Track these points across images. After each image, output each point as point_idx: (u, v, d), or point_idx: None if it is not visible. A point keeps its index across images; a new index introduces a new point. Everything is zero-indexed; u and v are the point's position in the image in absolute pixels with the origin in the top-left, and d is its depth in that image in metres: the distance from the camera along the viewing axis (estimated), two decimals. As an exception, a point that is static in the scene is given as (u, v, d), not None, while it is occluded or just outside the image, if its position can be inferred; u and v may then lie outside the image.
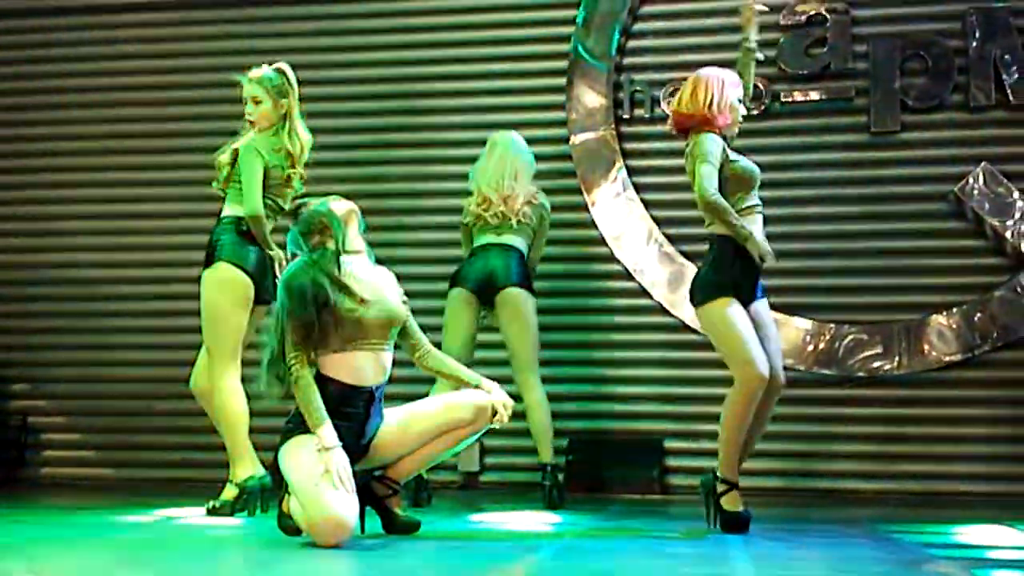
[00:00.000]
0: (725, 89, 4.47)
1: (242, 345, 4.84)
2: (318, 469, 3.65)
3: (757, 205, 4.45)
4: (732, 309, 4.29)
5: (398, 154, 6.82)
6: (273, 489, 4.68)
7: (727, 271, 4.33)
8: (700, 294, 4.37)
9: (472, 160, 5.87)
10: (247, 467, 4.75)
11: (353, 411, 3.85)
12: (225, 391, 4.74)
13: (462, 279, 5.47)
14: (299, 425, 3.81)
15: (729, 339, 4.29)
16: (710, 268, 4.38)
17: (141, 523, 4.51)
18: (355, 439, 3.86)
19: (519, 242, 5.52)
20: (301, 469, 3.69)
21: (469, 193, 5.63)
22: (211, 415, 4.89)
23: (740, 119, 4.55)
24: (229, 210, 4.88)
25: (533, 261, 5.62)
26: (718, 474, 4.33)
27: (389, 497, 4.03)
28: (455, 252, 6.06)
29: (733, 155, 4.43)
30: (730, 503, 4.29)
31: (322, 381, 3.83)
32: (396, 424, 3.97)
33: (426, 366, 4.16)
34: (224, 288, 4.76)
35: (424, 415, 3.99)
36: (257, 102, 4.96)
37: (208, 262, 4.83)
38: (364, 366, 3.88)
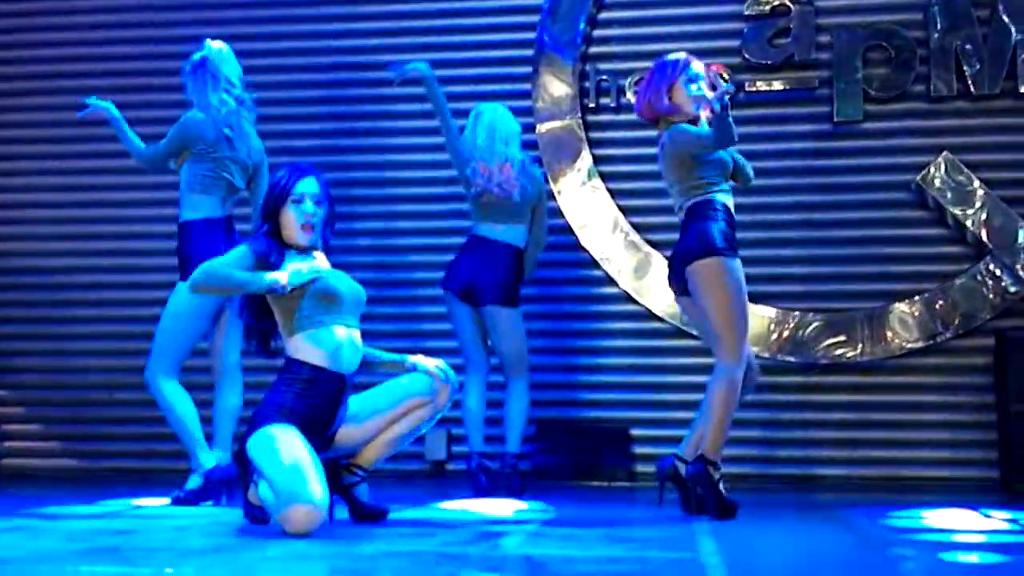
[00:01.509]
0: (661, 75, 4.45)
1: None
2: (290, 455, 3.64)
3: (728, 190, 4.45)
4: (740, 269, 4.28)
5: (361, 142, 6.78)
6: (238, 478, 4.69)
7: (728, 224, 4.30)
8: (705, 246, 4.25)
9: (435, 149, 5.85)
10: (209, 456, 4.74)
11: (325, 394, 3.86)
12: (163, 389, 4.78)
13: (449, 278, 5.51)
14: (266, 417, 3.79)
15: (734, 301, 4.24)
16: (708, 222, 4.28)
17: (104, 513, 4.47)
18: (323, 422, 3.85)
19: (520, 233, 5.52)
20: (272, 457, 3.68)
21: (440, 175, 5.62)
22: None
23: (692, 97, 4.45)
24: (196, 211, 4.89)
25: (539, 245, 5.64)
26: (711, 459, 4.24)
27: (356, 485, 4.03)
28: (419, 242, 6.06)
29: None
30: (723, 489, 4.25)
31: (296, 367, 3.86)
32: (355, 407, 3.97)
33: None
34: (194, 301, 4.76)
35: (380, 397, 4.00)
36: None
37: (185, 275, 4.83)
38: (343, 350, 3.89)
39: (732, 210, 4.42)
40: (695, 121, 4.47)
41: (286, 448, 3.68)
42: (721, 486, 4.24)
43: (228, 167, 4.90)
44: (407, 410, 3.98)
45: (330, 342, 3.88)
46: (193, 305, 4.77)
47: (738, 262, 4.33)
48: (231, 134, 4.89)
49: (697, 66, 4.50)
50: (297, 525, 3.58)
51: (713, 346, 4.34)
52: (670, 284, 4.51)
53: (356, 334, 3.98)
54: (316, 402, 3.83)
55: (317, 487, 3.60)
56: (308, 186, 4.00)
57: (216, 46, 5.02)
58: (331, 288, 3.90)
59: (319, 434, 3.84)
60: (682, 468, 4.38)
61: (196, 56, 5.00)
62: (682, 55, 4.59)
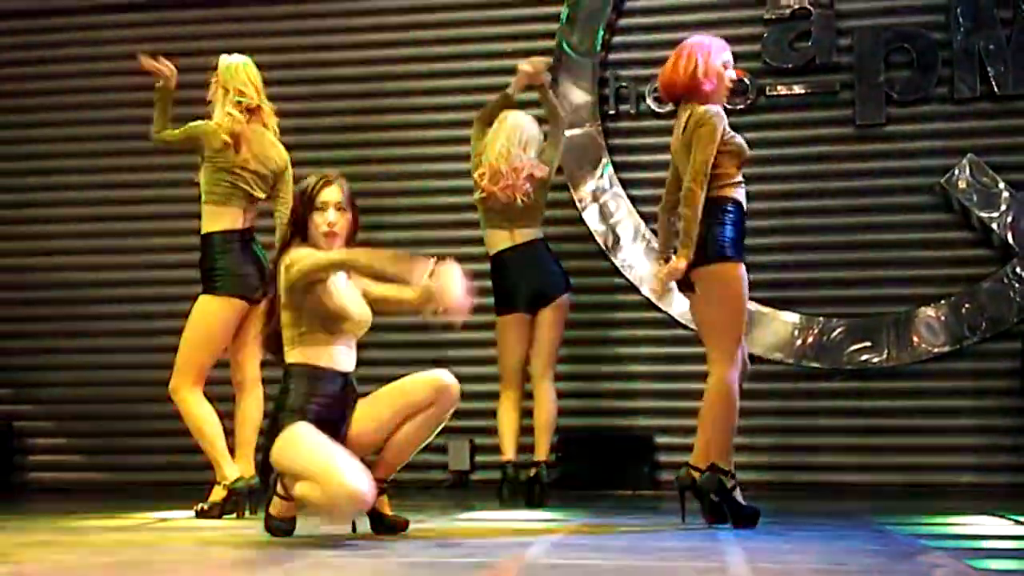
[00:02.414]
0: (711, 56, 4.36)
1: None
2: (322, 446, 3.69)
3: (742, 182, 4.33)
4: (745, 276, 4.21)
5: (382, 153, 6.80)
6: (261, 490, 4.68)
7: (736, 228, 4.23)
8: (714, 251, 4.19)
9: (457, 158, 5.84)
10: (233, 468, 4.74)
11: (331, 391, 3.88)
12: (187, 402, 4.78)
13: (504, 303, 5.46)
14: (284, 421, 3.79)
15: (737, 309, 4.20)
16: (718, 225, 4.21)
17: (129, 526, 4.48)
18: (335, 424, 3.86)
19: (532, 233, 5.48)
20: (306, 451, 3.71)
21: (467, 184, 5.59)
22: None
23: (729, 85, 4.41)
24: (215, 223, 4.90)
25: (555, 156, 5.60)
26: (722, 467, 4.17)
27: (377, 496, 4.00)
28: (445, 251, 6.03)
29: (729, 131, 4.31)
30: (738, 496, 4.20)
31: (297, 369, 3.88)
32: (359, 412, 3.97)
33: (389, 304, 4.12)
34: (217, 313, 4.79)
35: (382, 398, 4.00)
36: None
37: (207, 288, 4.85)
38: (340, 354, 3.95)
39: (744, 206, 4.32)
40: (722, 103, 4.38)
41: (316, 441, 3.72)
42: (738, 493, 4.19)
43: (242, 176, 4.88)
44: (411, 412, 3.96)
45: (326, 352, 3.92)
46: (216, 317, 4.79)
47: (743, 268, 4.25)
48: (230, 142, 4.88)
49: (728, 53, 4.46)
50: (345, 510, 3.64)
51: (708, 349, 4.30)
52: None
53: (352, 354, 4.02)
54: (325, 399, 3.86)
55: (357, 471, 3.63)
56: (331, 194, 4.00)
57: (230, 58, 5.02)
58: (336, 313, 3.90)
59: (334, 434, 3.84)
60: (698, 477, 4.29)
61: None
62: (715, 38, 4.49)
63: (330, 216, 3.97)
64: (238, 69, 4.97)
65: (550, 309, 5.43)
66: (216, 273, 4.83)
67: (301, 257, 3.85)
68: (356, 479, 3.60)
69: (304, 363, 3.89)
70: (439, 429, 4.10)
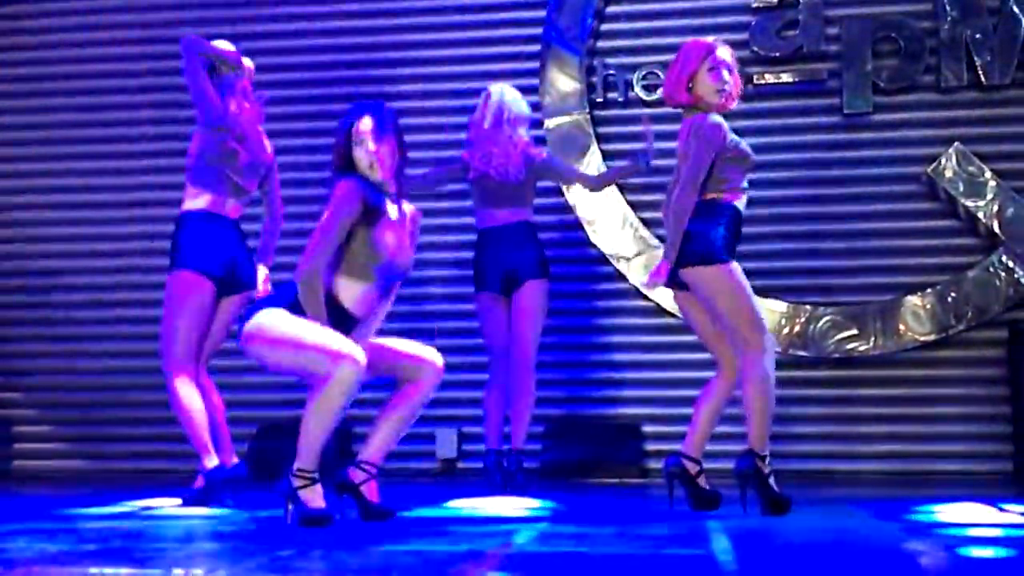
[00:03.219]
0: (691, 63, 4.32)
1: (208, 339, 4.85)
2: (309, 325, 3.79)
3: (745, 188, 4.31)
4: (740, 270, 4.21)
5: (370, 140, 6.76)
6: (242, 479, 4.67)
7: (729, 230, 4.22)
8: (704, 252, 4.17)
9: (443, 147, 5.81)
10: (211, 457, 4.70)
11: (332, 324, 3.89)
12: (175, 392, 4.72)
13: (481, 281, 5.42)
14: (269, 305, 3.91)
15: (743, 302, 4.18)
16: (709, 226, 4.18)
17: (115, 514, 4.47)
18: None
19: (524, 213, 5.43)
20: (294, 325, 3.82)
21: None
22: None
23: (720, 90, 4.32)
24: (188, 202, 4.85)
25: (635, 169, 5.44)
26: (760, 453, 4.18)
27: (365, 483, 4.00)
28: (432, 239, 6.04)
29: (733, 138, 4.26)
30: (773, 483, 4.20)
31: (328, 299, 3.90)
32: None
33: None
34: (186, 291, 4.74)
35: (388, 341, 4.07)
36: None
37: (169, 264, 4.82)
38: (368, 300, 3.98)
39: (741, 212, 4.31)
40: (721, 108, 4.36)
41: (301, 322, 3.82)
42: (771, 480, 4.20)
43: (238, 172, 4.85)
44: (407, 362, 4.01)
45: (356, 293, 3.95)
46: (176, 293, 4.73)
47: (736, 264, 4.23)
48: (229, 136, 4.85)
49: (723, 53, 4.35)
50: (348, 378, 3.74)
51: (732, 344, 4.27)
52: (669, 282, 4.44)
53: (382, 307, 4.06)
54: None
55: (346, 340, 3.79)
56: (365, 124, 4.00)
57: (220, 45, 4.97)
58: (373, 254, 3.93)
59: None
60: (690, 466, 4.32)
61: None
62: (709, 39, 4.44)
63: (369, 146, 3.98)
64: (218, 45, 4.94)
65: (525, 294, 5.37)
66: (178, 248, 4.76)
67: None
68: (351, 346, 3.76)
69: (336, 299, 3.92)
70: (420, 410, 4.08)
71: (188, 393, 4.73)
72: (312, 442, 3.83)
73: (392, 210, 4.07)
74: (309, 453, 3.84)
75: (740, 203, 4.31)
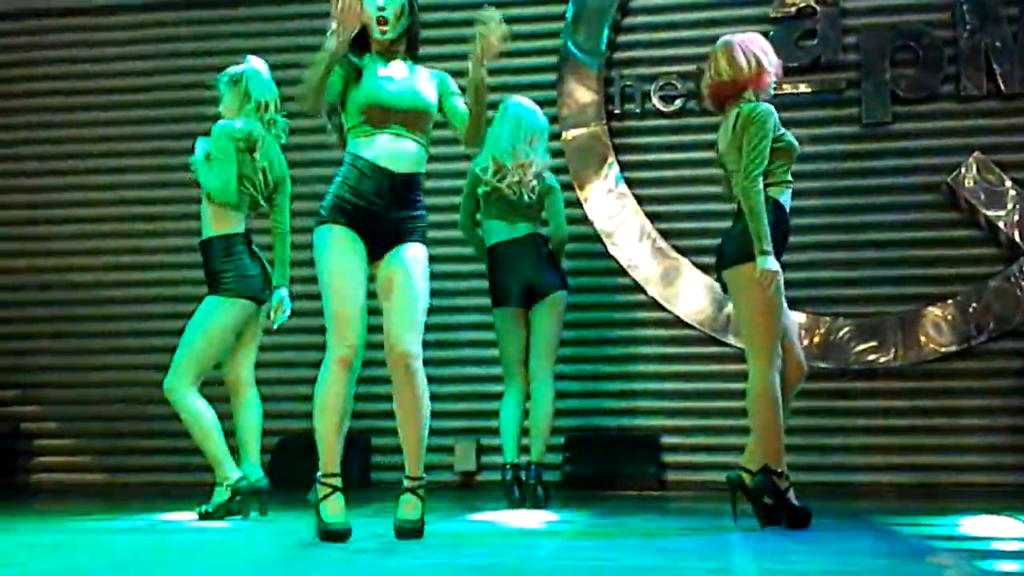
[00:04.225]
0: (765, 48, 4.31)
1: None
2: (336, 288, 3.74)
3: (790, 181, 4.25)
4: (781, 280, 4.07)
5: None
6: (266, 491, 4.67)
7: (778, 232, 4.10)
8: (742, 250, 4.08)
9: (459, 159, 5.81)
10: (234, 468, 4.70)
11: (375, 194, 3.78)
12: (185, 401, 4.73)
13: (499, 296, 5.37)
14: (324, 211, 3.80)
15: (769, 308, 4.07)
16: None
17: (134, 527, 4.47)
18: (371, 229, 3.79)
19: (535, 223, 5.38)
20: (324, 287, 3.77)
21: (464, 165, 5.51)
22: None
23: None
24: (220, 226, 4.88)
25: (560, 242, 5.48)
26: (774, 468, 4.08)
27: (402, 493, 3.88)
28: (452, 251, 6.04)
29: (780, 127, 4.21)
30: (791, 497, 4.10)
31: (350, 160, 3.82)
32: (397, 272, 3.83)
33: (471, 129, 3.97)
34: (224, 316, 4.78)
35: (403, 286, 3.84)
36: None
37: (216, 289, 4.83)
38: (388, 148, 3.81)
39: (787, 206, 4.23)
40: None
41: (336, 270, 3.74)
42: (791, 494, 4.13)
43: (255, 182, 4.87)
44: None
45: (373, 146, 3.81)
46: (223, 320, 4.77)
47: (776, 265, 4.08)
48: (253, 150, 4.86)
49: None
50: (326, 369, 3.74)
51: (746, 350, 4.23)
52: (719, 282, 4.39)
53: (407, 144, 3.85)
54: (367, 193, 3.77)
55: (349, 333, 3.72)
56: None
57: (255, 64, 4.97)
58: (374, 100, 3.82)
59: (368, 238, 3.79)
60: (747, 479, 4.19)
61: (236, 70, 4.97)
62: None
63: (377, 1, 3.88)
64: (264, 78, 4.94)
65: (545, 306, 5.32)
66: (225, 275, 4.81)
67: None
68: (344, 343, 3.70)
69: (357, 154, 3.81)
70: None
71: (199, 405, 4.74)
72: (319, 441, 3.77)
73: (396, 67, 3.93)
74: (320, 454, 3.77)
75: (784, 199, 4.21)
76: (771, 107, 4.21)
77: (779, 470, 4.12)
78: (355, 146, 3.85)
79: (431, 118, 3.93)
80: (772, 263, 4.05)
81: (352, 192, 3.79)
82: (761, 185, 4.09)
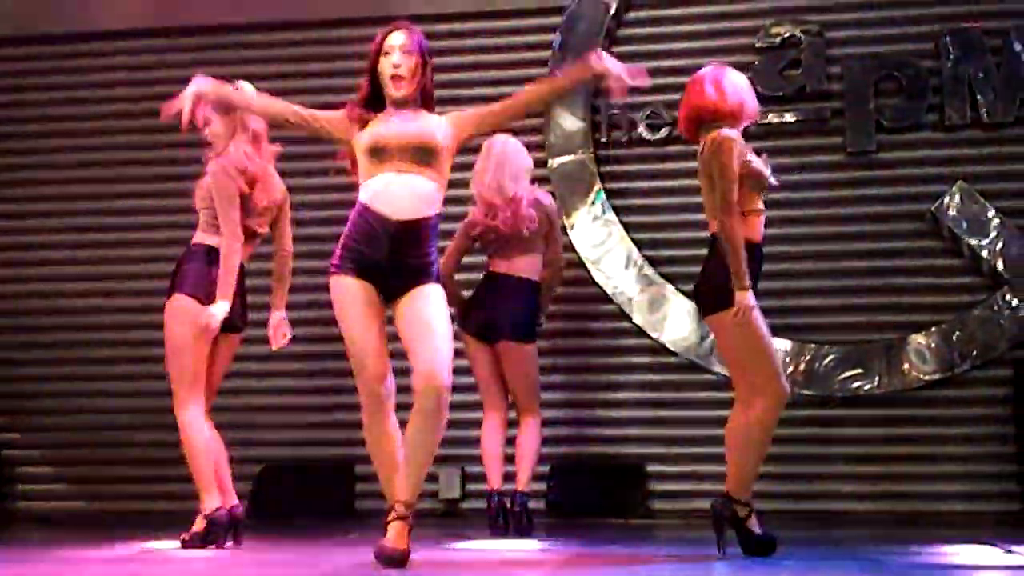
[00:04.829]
0: (748, 87, 4.32)
1: (212, 376, 4.80)
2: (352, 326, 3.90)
3: (762, 211, 4.24)
4: (758, 313, 4.06)
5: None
6: (242, 521, 4.63)
7: (751, 269, 4.09)
8: (718, 296, 4.07)
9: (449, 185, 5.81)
10: (213, 498, 4.66)
11: (374, 242, 3.86)
12: (185, 425, 4.66)
13: (467, 319, 5.42)
14: (336, 257, 3.93)
15: (757, 348, 4.06)
16: (725, 268, 4.06)
17: (117, 557, 4.44)
18: (378, 273, 3.89)
19: (532, 266, 5.41)
20: (343, 323, 3.93)
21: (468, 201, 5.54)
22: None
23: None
24: (198, 237, 4.82)
25: (554, 280, 5.52)
26: (737, 498, 4.07)
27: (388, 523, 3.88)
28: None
29: (749, 154, 4.20)
30: (754, 526, 4.08)
31: (357, 207, 3.93)
32: (415, 311, 3.89)
33: (509, 112, 4.15)
34: (184, 319, 4.69)
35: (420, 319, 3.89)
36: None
37: (168, 292, 4.77)
38: (388, 188, 3.88)
39: (760, 238, 4.20)
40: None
41: (349, 317, 3.88)
42: (752, 522, 4.11)
43: (250, 214, 4.81)
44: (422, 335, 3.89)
45: (376, 185, 3.90)
46: (185, 324, 4.68)
47: (753, 300, 4.07)
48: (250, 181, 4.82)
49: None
50: (369, 386, 3.91)
51: (750, 386, 4.15)
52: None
53: (410, 178, 3.90)
54: (365, 240, 3.87)
55: (366, 375, 3.88)
56: (395, 38, 4.02)
57: (245, 89, 4.92)
58: (374, 141, 3.91)
59: (379, 282, 3.89)
60: (739, 509, 4.12)
61: None
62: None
63: (394, 59, 3.99)
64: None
65: (513, 354, 5.35)
66: (188, 280, 4.70)
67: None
68: (367, 374, 3.86)
69: (359, 201, 3.93)
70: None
71: (199, 427, 4.68)
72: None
73: (405, 114, 4.01)
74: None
75: (756, 232, 4.19)
76: (736, 134, 4.18)
77: (743, 500, 4.09)
78: (362, 190, 3.95)
79: (436, 152, 3.96)
80: (749, 298, 4.04)
81: (356, 240, 3.90)
82: (738, 218, 4.07)
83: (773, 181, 4.28)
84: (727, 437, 4.16)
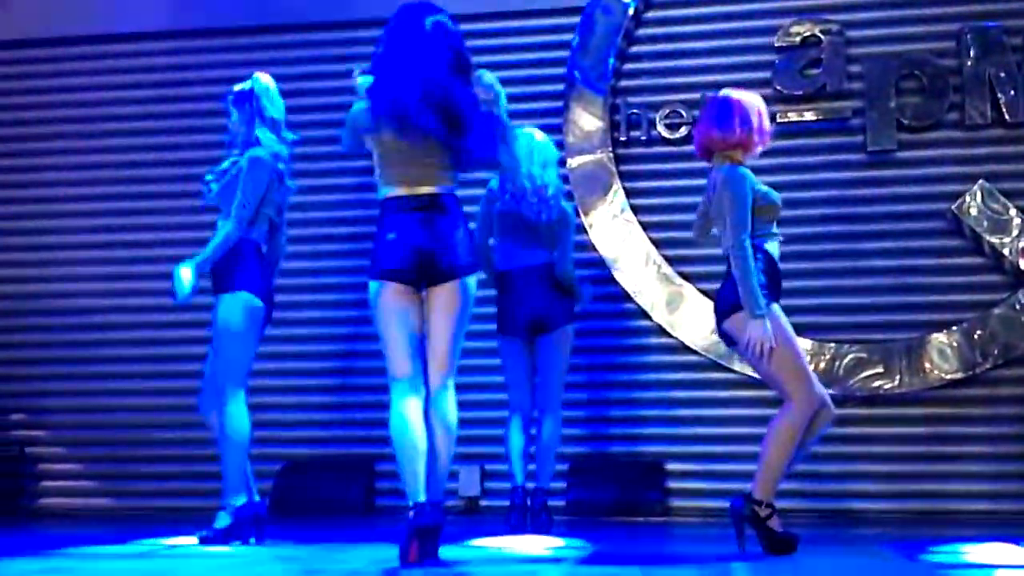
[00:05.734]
0: (764, 114, 4.35)
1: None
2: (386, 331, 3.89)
3: (776, 235, 4.28)
4: (785, 319, 4.10)
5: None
6: (266, 517, 4.65)
7: (769, 278, 4.14)
8: (738, 300, 4.10)
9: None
10: (242, 494, 4.67)
11: (400, 225, 3.88)
12: (235, 416, 4.64)
13: (506, 324, 5.36)
14: (371, 262, 3.93)
15: (782, 359, 4.08)
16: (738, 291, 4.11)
17: (139, 553, 4.47)
18: (414, 262, 3.88)
19: (545, 256, 5.36)
20: (378, 328, 3.92)
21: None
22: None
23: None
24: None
25: (567, 273, 5.44)
26: (758, 498, 4.07)
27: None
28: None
29: (759, 186, 4.24)
30: (776, 525, 4.08)
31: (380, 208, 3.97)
32: (444, 316, 3.98)
33: None
34: (243, 314, 4.69)
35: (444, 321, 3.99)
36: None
37: (225, 287, 4.75)
38: (407, 170, 3.92)
39: (775, 256, 4.25)
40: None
41: (386, 332, 3.89)
42: (775, 521, 4.11)
43: (272, 204, 4.84)
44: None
45: (396, 177, 3.94)
46: (247, 317, 4.69)
47: (775, 307, 4.16)
48: (283, 170, 4.86)
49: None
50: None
51: (780, 392, 4.19)
52: (719, 335, 4.41)
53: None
54: (396, 233, 3.88)
55: (403, 364, 3.86)
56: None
57: (264, 80, 4.95)
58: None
59: (415, 270, 3.88)
60: (760, 509, 4.12)
61: (244, 86, 4.92)
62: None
63: None
64: (274, 95, 4.92)
65: (552, 341, 5.32)
66: (227, 275, 4.69)
67: None
68: (399, 374, 3.83)
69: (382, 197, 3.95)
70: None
71: (246, 419, 4.67)
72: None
73: None
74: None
75: (772, 248, 4.25)
76: (746, 171, 4.23)
77: (764, 500, 4.09)
78: (379, 189, 3.99)
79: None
80: (762, 329, 4.06)
81: (386, 233, 3.90)
82: (749, 250, 4.11)
83: (780, 206, 4.30)
84: (766, 434, 4.17)
